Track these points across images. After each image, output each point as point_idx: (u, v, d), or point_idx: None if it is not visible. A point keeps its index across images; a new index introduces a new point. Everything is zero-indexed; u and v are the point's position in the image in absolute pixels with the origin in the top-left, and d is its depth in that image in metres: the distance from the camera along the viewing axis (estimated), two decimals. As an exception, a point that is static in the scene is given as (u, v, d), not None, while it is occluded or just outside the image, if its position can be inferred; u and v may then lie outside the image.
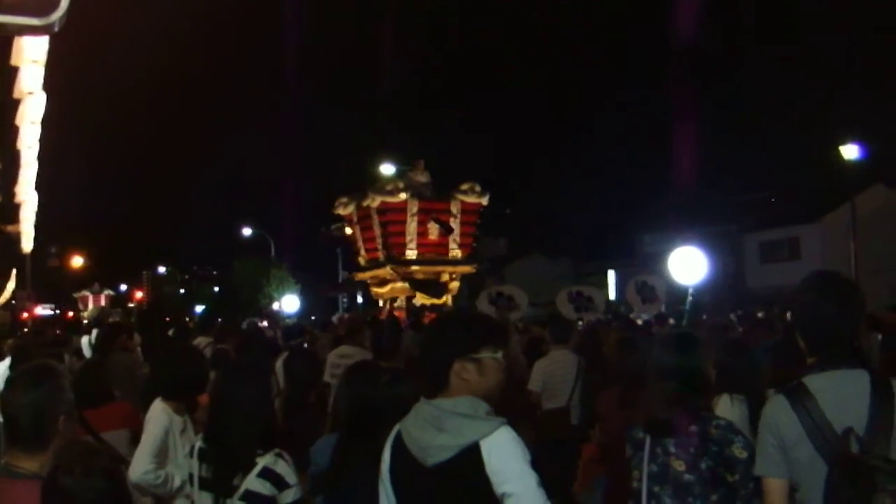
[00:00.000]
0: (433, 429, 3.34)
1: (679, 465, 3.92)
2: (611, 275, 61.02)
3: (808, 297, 3.66)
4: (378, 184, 24.15)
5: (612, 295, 58.47)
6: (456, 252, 23.60)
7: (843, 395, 3.38)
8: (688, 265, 17.50)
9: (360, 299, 49.39)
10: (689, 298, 17.80)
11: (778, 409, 3.51)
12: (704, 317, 16.89)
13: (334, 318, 22.67)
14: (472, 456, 3.25)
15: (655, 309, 19.54)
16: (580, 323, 16.75)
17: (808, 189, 47.48)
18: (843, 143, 30.90)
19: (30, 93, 9.63)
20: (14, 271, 29.24)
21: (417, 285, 22.88)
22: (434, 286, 22.76)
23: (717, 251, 35.25)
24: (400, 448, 3.46)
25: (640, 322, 18.00)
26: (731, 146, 70.75)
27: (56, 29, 4.65)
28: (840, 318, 3.52)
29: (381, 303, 24.52)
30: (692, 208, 47.73)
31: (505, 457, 3.26)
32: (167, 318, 25.38)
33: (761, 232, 48.26)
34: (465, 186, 23.55)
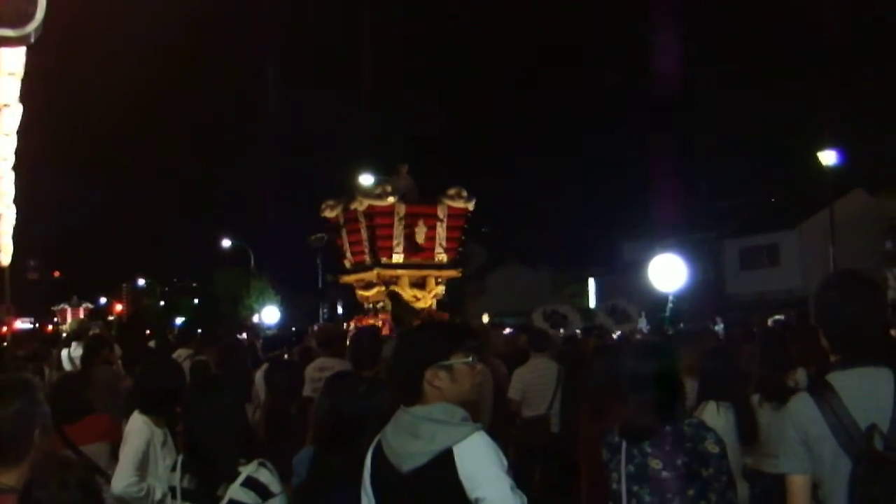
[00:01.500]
0: (409, 436, 3.40)
1: (656, 464, 4.05)
2: (591, 283, 61.20)
3: (829, 295, 3.68)
4: (365, 187, 24.20)
5: (592, 303, 58.61)
6: (442, 256, 23.62)
7: (868, 392, 3.39)
8: (668, 272, 17.58)
9: (339, 309, 49.20)
10: (670, 305, 17.86)
11: (802, 405, 3.53)
12: (682, 325, 16.93)
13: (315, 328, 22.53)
14: (445, 462, 3.30)
15: (630, 328, 19.67)
16: (560, 331, 16.79)
17: (787, 195, 47.71)
18: (822, 148, 30.99)
19: (6, 105, 9.57)
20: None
21: (394, 302, 22.94)
22: (406, 308, 22.74)
23: (697, 258, 35.37)
24: (380, 456, 3.52)
25: (615, 336, 18.08)
26: (710, 153, 70.83)
27: (32, 40, 4.62)
28: (862, 316, 3.53)
29: (365, 306, 24.52)
30: (672, 215, 47.88)
31: (477, 462, 3.31)
32: (148, 331, 25.24)
33: (741, 238, 48.44)
34: (451, 191, 23.59)
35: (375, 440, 3.60)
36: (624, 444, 4.18)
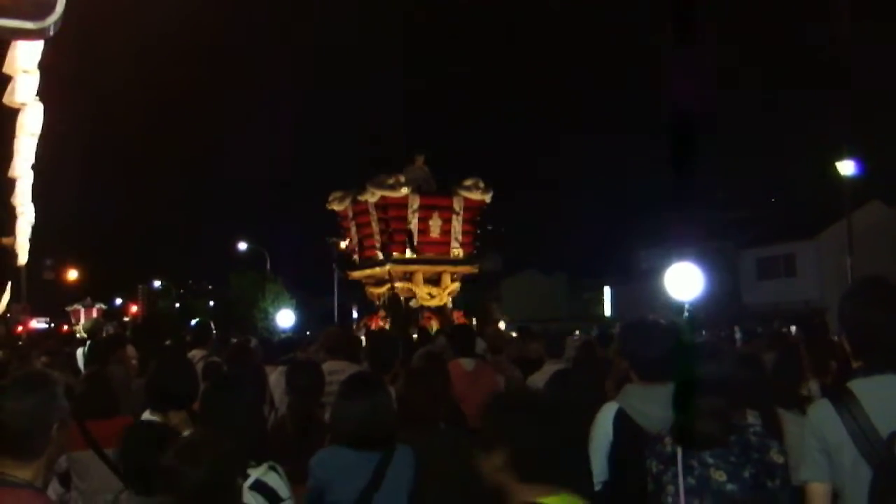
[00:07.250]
0: (660, 407, 4.28)
1: (720, 476, 3.79)
2: (607, 291, 61.10)
3: (854, 301, 3.64)
4: (377, 178, 22.48)
5: (607, 311, 58.47)
6: (458, 251, 22.47)
7: (889, 399, 3.35)
8: (684, 281, 17.48)
9: (355, 314, 48.95)
10: (686, 314, 17.76)
11: (822, 413, 3.48)
12: (704, 332, 16.84)
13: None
14: None
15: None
16: (577, 333, 16.71)
17: (805, 205, 47.57)
18: (840, 159, 30.83)
19: (24, 104, 9.53)
20: (9, 284, 29.15)
21: (393, 305, 21.82)
22: (404, 313, 21.67)
23: (714, 267, 35.21)
24: (625, 421, 4.56)
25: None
26: (729, 163, 70.71)
27: (51, 33, 4.56)
28: (886, 323, 3.49)
29: (376, 304, 23.22)
30: (689, 224, 47.74)
31: None
32: (163, 332, 24.93)
33: (758, 248, 48.37)
34: (468, 182, 22.41)
35: (613, 410, 4.63)
36: (680, 454, 3.88)
